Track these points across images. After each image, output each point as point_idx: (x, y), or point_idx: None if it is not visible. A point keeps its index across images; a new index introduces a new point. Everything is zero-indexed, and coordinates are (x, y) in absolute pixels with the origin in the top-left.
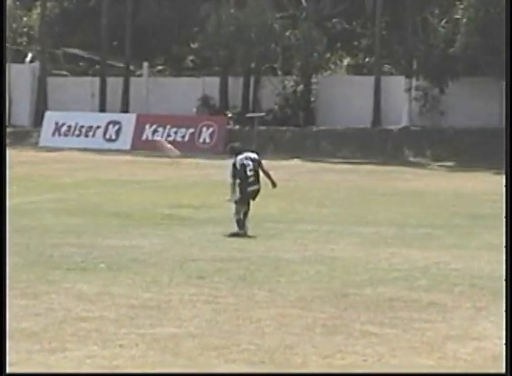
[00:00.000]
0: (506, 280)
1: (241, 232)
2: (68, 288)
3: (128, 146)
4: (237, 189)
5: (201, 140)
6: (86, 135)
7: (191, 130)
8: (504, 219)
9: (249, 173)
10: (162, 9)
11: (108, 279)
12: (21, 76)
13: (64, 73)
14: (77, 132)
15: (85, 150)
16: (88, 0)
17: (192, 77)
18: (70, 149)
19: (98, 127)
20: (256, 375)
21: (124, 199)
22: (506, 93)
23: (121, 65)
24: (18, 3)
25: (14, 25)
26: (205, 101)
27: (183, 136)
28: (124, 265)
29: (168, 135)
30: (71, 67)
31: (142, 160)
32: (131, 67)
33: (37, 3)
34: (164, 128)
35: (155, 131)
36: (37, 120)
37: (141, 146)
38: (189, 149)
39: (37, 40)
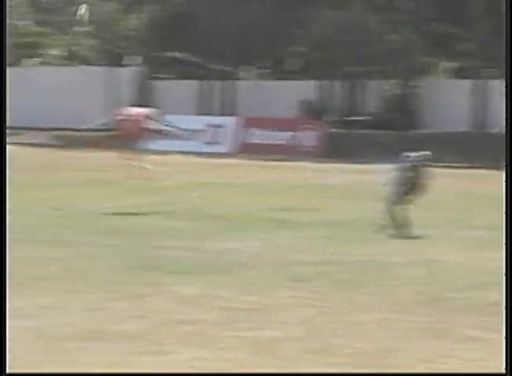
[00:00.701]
0: (506, 280)
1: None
2: (169, 291)
3: (229, 149)
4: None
5: (302, 143)
6: (188, 138)
7: (292, 133)
8: (504, 219)
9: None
10: (263, 11)
11: (208, 282)
12: (123, 80)
13: (166, 76)
14: (181, 136)
15: (188, 152)
16: (191, 3)
17: (292, 80)
18: (173, 152)
19: (199, 130)
20: (268, 375)
21: (225, 202)
22: (506, 93)
23: (222, 68)
24: (118, 6)
25: (114, 28)
26: (305, 104)
27: (284, 139)
28: (225, 268)
29: (269, 138)
30: (173, 71)
31: (244, 162)
32: (232, 70)
33: (140, 7)
34: (265, 130)
35: (256, 134)
36: None
37: (242, 148)
38: (290, 152)
39: (140, 43)
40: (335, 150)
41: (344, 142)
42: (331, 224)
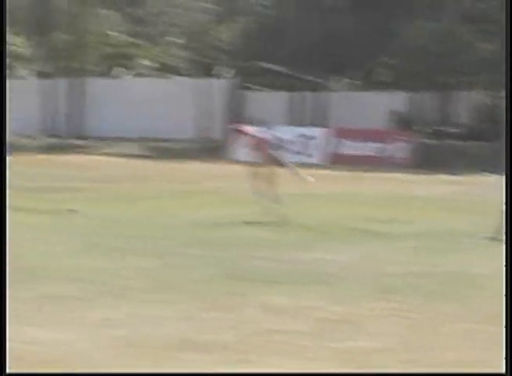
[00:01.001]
0: (506, 281)
1: None
2: (260, 301)
3: (319, 160)
4: None
5: (392, 154)
6: (281, 149)
7: (382, 144)
8: (504, 220)
9: None
10: (354, 22)
11: (299, 292)
12: (214, 91)
13: (257, 87)
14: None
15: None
16: (282, 14)
17: (383, 91)
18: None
19: (290, 141)
20: (271, 375)
21: (315, 212)
22: (506, 93)
23: (313, 79)
24: (210, 17)
25: (206, 39)
26: (396, 115)
27: (374, 150)
28: (316, 278)
29: (360, 149)
30: (264, 81)
31: (335, 174)
32: (323, 81)
33: (232, 18)
34: (356, 141)
35: (347, 145)
36: (230, 133)
37: (333, 159)
38: (380, 163)
39: (231, 54)
40: (426, 161)
41: (435, 154)
42: (421, 235)
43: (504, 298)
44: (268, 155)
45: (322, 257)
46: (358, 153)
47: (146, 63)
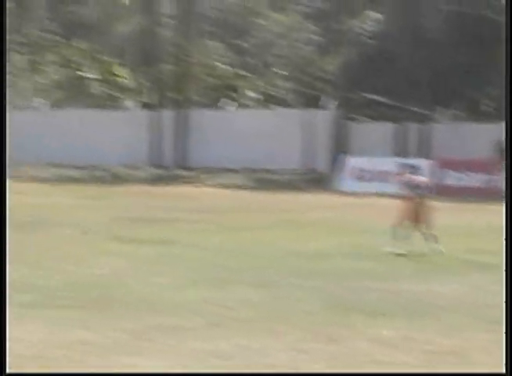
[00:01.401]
0: (506, 280)
1: None
2: (367, 333)
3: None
4: None
5: (498, 185)
6: (384, 180)
7: (487, 175)
8: (504, 220)
9: None
10: (458, 53)
11: (407, 324)
12: (319, 122)
13: (361, 118)
14: (375, 177)
15: (383, 194)
16: (386, 46)
17: (485, 122)
18: (369, 194)
19: (395, 172)
20: (258, 375)
21: (424, 244)
22: (506, 94)
23: (417, 110)
24: (314, 48)
25: (310, 70)
26: (500, 146)
27: (480, 181)
28: (424, 310)
29: (465, 180)
30: (368, 112)
31: (440, 204)
32: (428, 112)
33: (336, 49)
34: (461, 172)
35: (451, 176)
36: (335, 164)
37: (438, 190)
38: (486, 194)
39: (335, 85)
40: None
41: None
42: None
43: (504, 298)
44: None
45: (430, 288)
46: (463, 184)
47: (251, 94)
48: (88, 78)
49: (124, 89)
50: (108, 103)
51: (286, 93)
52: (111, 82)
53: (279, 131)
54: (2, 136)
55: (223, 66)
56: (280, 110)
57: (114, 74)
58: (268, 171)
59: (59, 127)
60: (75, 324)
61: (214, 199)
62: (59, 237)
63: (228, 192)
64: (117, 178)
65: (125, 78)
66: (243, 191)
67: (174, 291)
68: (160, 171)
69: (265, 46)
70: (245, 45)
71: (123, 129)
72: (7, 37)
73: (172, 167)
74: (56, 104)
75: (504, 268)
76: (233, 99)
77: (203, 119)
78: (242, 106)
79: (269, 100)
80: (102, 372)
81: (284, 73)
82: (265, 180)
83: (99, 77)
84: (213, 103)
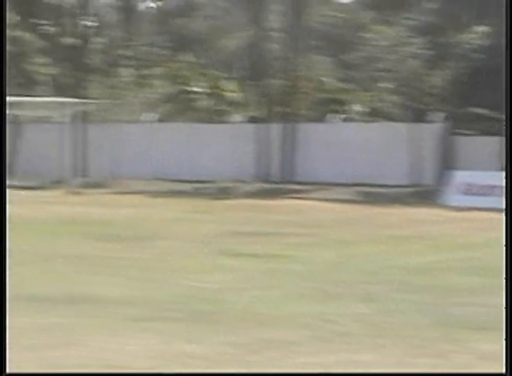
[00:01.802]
0: (506, 280)
1: None
2: (471, 348)
3: None
4: None
5: None
6: (492, 195)
7: None
8: (504, 220)
9: None
10: None
11: None
12: (425, 136)
13: (468, 132)
14: (482, 191)
15: (491, 209)
16: (492, 58)
17: None
18: (476, 208)
19: (501, 186)
20: (268, 375)
21: None
22: (506, 94)
23: None
24: (421, 63)
25: (417, 84)
26: None
27: None
28: None
29: None
30: (475, 126)
31: None
32: None
33: (443, 63)
34: None
35: None
36: (442, 178)
37: None
38: None
39: (442, 99)
40: None
41: None
42: None
43: (504, 298)
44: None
45: None
46: None
47: (357, 108)
48: (196, 92)
49: (231, 103)
50: (215, 116)
51: (393, 107)
52: (218, 96)
53: (385, 145)
54: (2, 136)
55: (330, 80)
56: (387, 124)
57: (221, 88)
58: (374, 185)
59: (166, 141)
60: (183, 337)
61: (320, 213)
62: (166, 251)
63: (334, 206)
64: (223, 192)
65: (232, 92)
66: (349, 205)
67: (281, 305)
68: (266, 185)
69: (371, 60)
70: (351, 58)
71: (230, 143)
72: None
73: (279, 181)
74: (164, 118)
75: (504, 268)
76: (339, 113)
77: (310, 133)
78: (348, 119)
79: (376, 114)
80: (102, 372)
81: (391, 86)
82: (372, 194)
83: (207, 91)
84: (319, 117)
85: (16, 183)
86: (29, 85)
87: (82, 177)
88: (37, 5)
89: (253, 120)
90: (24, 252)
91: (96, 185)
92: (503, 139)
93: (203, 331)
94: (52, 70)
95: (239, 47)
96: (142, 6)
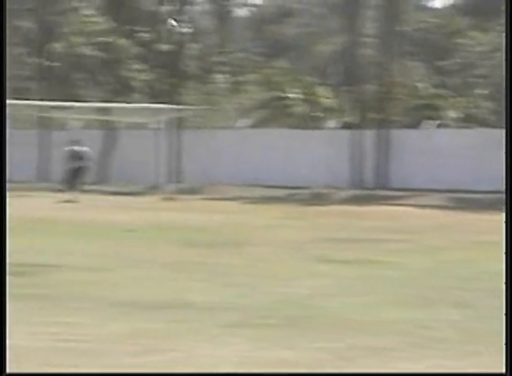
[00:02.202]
0: (506, 280)
1: None
2: None
3: None
4: None
5: None
6: None
7: None
8: (504, 221)
9: None
10: None
11: None
12: None
13: None
14: None
15: None
16: None
17: None
18: None
19: None
20: (265, 375)
21: None
22: (506, 94)
23: None
24: None
25: None
26: None
27: None
28: None
29: None
30: None
31: None
32: None
33: None
34: None
35: None
36: None
37: None
38: None
39: None
40: None
41: None
42: None
43: (504, 297)
44: None
45: None
46: None
47: (452, 114)
48: (290, 98)
49: (325, 109)
50: (309, 122)
51: (488, 113)
52: (312, 102)
53: (480, 151)
54: (2, 137)
55: (424, 86)
56: (482, 130)
57: (316, 94)
58: (468, 191)
59: (259, 147)
60: (277, 343)
61: (413, 219)
62: (258, 257)
63: (428, 212)
64: (316, 198)
65: (326, 98)
66: (442, 211)
67: (374, 311)
68: (360, 191)
69: (466, 66)
70: (446, 64)
71: (323, 149)
72: (5, 39)
73: (372, 187)
74: (258, 124)
75: (504, 267)
76: (434, 119)
77: (404, 139)
78: (443, 126)
79: (470, 120)
80: (102, 372)
81: (486, 92)
82: (466, 200)
83: (301, 96)
84: (413, 123)
85: (110, 189)
86: (124, 91)
87: (176, 183)
88: (132, 12)
89: (347, 126)
90: (119, 257)
91: (191, 191)
92: None
93: (296, 337)
94: (148, 77)
95: (334, 53)
96: (236, 12)
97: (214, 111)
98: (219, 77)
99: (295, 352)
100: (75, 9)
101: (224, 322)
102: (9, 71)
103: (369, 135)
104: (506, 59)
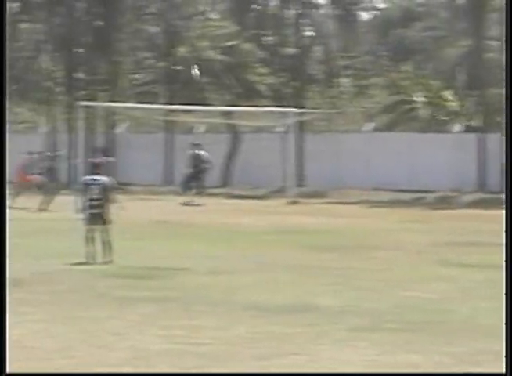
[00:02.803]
0: (506, 280)
1: None
2: None
3: None
4: None
5: None
6: None
7: None
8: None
9: None
10: None
11: None
12: None
13: None
14: None
15: None
16: None
17: None
18: None
19: None
20: (255, 375)
21: None
22: (506, 94)
23: None
24: None
25: None
26: None
27: None
28: None
29: None
30: None
31: None
32: None
33: None
34: None
35: None
36: None
37: None
38: None
39: None
40: None
41: None
42: None
43: (504, 297)
44: None
45: None
46: None
47: None
48: (415, 102)
49: (450, 113)
50: (434, 126)
51: None
52: (437, 106)
53: None
54: (3, 137)
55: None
56: None
57: (441, 98)
58: None
59: (385, 150)
60: (402, 348)
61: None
62: (383, 260)
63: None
64: (442, 202)
65: (451, 101)
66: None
67: (501, 316)
68: (485, 195)
69: None
70: None
71: (449, 152)
72: (3, 38)
73: (498, 190)
74: (383, 128)
75: (504, 268)
76: None
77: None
78: None
79: None
80: (102, 372)
81: None
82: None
83: (426, 100)
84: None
85: (234, 192)
86: (249, 95)
87: (301, 187)
88: (257, 16)
89: (471, 129)
90: (244, 261)
91: (315, 194)
92: None
93: (423, 342)
94: (272, 80)
95: (459, 56)
96: (361, 16)
97: (339, 115)
98: (344, 80)
99: (418, 355)
100: (201, 14)
101: (350, 326)
102: (136, 76)
103: (493, 139)
104: (506, 59)
